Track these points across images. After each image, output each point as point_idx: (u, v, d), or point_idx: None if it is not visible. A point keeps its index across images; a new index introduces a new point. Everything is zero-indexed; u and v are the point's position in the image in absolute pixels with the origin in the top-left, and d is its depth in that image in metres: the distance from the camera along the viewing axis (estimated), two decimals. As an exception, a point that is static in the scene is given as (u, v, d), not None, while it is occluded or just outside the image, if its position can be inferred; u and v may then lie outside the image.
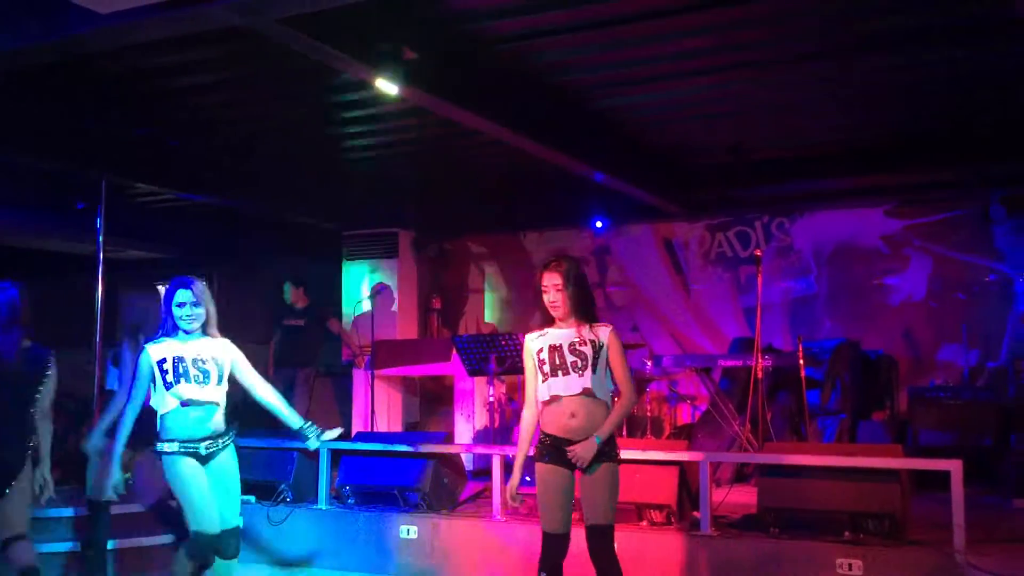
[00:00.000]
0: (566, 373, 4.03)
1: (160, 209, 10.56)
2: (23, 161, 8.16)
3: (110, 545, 6.18)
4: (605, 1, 5.53)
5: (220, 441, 4.52)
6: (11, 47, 5.28)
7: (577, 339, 4.06)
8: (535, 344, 4.12)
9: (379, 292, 10.00)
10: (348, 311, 10.54)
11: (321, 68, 5.99)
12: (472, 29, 5.93)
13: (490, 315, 11.46)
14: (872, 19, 5.85)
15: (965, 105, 7.55)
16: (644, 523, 5.87)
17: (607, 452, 4.05)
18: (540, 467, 4.08)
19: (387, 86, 5.88)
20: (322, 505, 6.72)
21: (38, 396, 4.54)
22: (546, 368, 4.06)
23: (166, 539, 6.59)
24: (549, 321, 4.14)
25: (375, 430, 8.96)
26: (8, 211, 9.64)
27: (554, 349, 4.06)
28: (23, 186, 9.29)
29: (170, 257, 12.17)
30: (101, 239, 7.56)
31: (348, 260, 10.85)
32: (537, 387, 4.10)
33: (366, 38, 5.55)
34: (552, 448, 4.05)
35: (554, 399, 4.05)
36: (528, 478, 4.35)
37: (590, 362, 4.02)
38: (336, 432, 4.81)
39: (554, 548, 4.07)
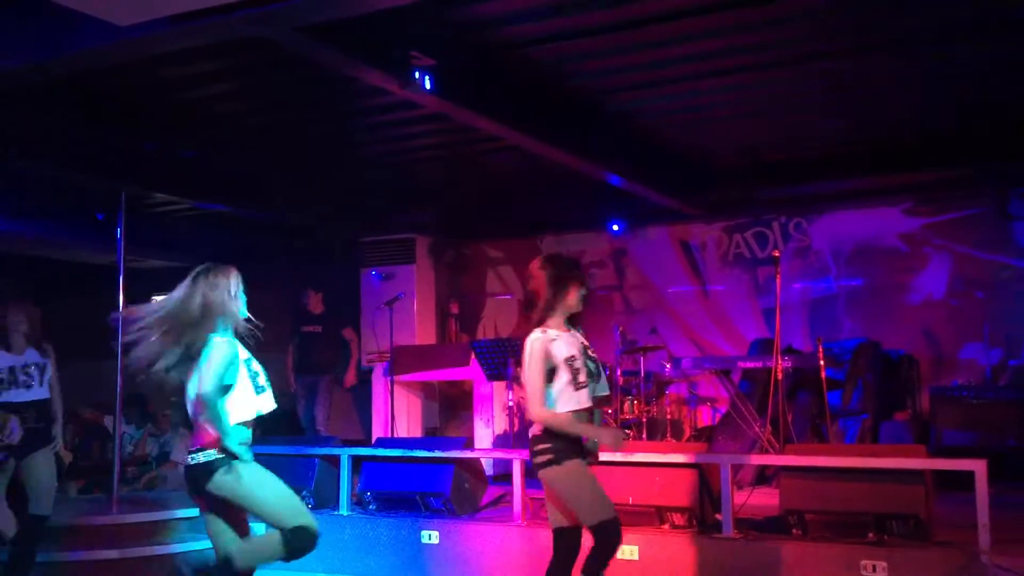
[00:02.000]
0: (596, 380, 4.11)
1: (179, 218, 10.64)
2: (42, 173, 8.24)
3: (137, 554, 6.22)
4: (619, 5, 5.54)
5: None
6: (31, 60, 5.33)
7: (585, 343, 4.14)
8: (560, 347, 4.01)
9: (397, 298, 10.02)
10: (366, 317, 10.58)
11: (338, 76, 6.03)
12: (487, 34, 5.95)
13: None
14: (888, 18, 5.83)
15: (982, 102, 7.50)
16: (665, 526, 5.86)
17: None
18: (575, 464, 4.00)
19: (406, 93, 5.90)
20: (344, 511, 6.75)
21: None
22: (582, 377, 4.03)
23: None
24: (542, 320, 4.08)
25: (395, 436, 8.98)
26: (28, 223, 9.74)
27: (576, 357, 4.03)
28: (43, 198, 9.38)
29: (189, 265, 12.25)
30: (121, 249, 7.61)
31: (366, 266, 10.89)
32: (567, 393, 4.00)
33: (383, 45, 5.58)
34: (579, 446, 4.06)
35: (585, 410, 4.05)
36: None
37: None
38: None
39: (616, 532, 4.01)
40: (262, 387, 4.07)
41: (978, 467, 5.11)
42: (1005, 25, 5.89)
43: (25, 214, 9.47)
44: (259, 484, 3.96)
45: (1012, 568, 4.80)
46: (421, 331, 10.68)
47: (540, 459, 4.02)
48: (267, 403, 4.08)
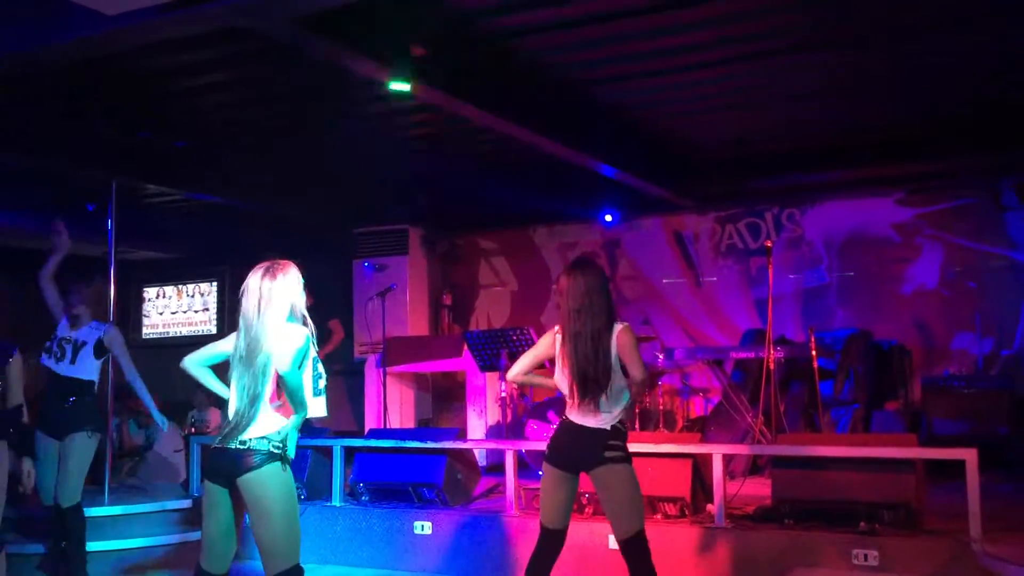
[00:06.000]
0: None
1: (170, 209, 10.60)
2: (32, 163, 8.19)
3: (110, 546, 6.20)
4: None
5: None
6: (19, 50, 5.29)
7: None
8: None
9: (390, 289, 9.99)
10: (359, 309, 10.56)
11: (329, 66, 6.00)
12: (480, 25, 5.92)
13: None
14: (877, 7, 5.82)
15: (975, 92, 7.50)
16: (658, 516, 5.86)
17: None
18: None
19: (396, 83, 5.88)
20: (336, 502, 6.74)
21: None
22: None
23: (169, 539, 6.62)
24: None
25: (388, 427, 8.98)
26: (19, 214, 9.68)
27: None
28: (33, 189, 9.32)
29: (181, 257, 12.21)
30: (112, 240, 7.59)
31: (358, 257, 10.87)
32: None
33: (375, 36, 5.55)
34: None
35: None
36: (541, 472, 4.37)
37: None
38: None
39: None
40: (320, 391, 3.88)
41: (969, 456, 5.12)
42: (996, 16, 5.89)
43: (13, 205, 9.42)
44: (293, 497, 3.72)
45: (1003, 556, 4.81)
46: (414, 322, 10.67)
47: (614, 453, 4.06)
48: (320, 409, 3.88)
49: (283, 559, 3.65)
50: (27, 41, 5.19)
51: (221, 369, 3.92)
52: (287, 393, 3.68)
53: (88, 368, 5.66)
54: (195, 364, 3.93)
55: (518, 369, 4.36)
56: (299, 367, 3.70)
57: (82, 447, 5.55)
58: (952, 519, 5.27)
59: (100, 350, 5.69)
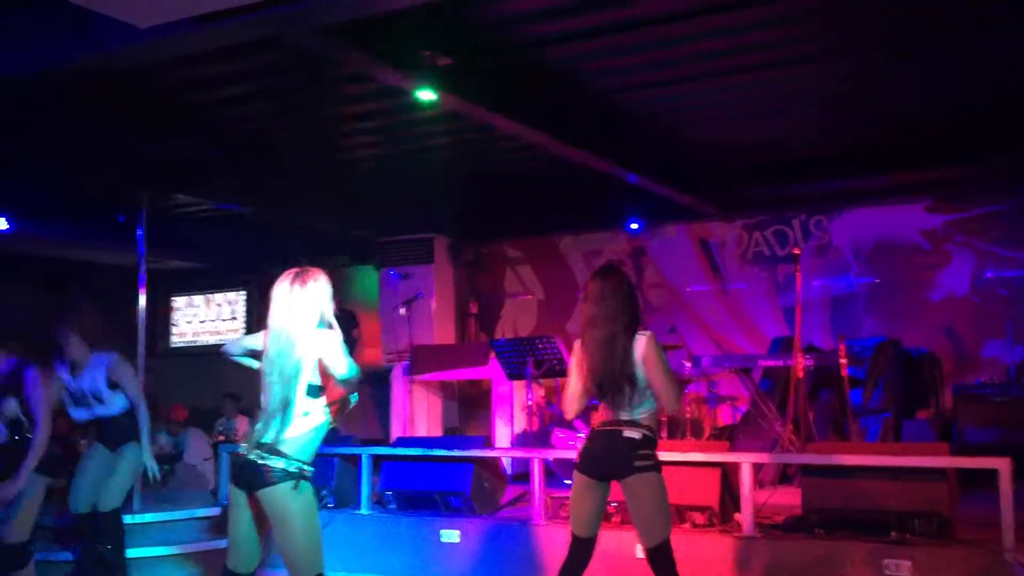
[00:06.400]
0: None
1: (199, 219, 10.70)
2: (65, 175, 8.30)
3: (140, 553, 6.24)
4: (637, 3, 5.52)
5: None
6: (52, 63, 5.38)
7: None
8: None
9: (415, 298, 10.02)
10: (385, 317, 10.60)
11: (357, 76, 6.05)
12: (505, 34, 5.95)
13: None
14: (907, 12, 5.78)
15: (1005, 97, 7.43)
16: (686, 525, 5.83)
17: None
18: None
19: (423, 92, 5.91)
20: (364, 510, 6.76)
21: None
22: None
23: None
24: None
25: (414, 435, 8.99)
26: (49, 224, 9.82)
27: None
28: (64, 199, 9.45)
29: (210, 266, 12.32)
30: (143, 250, 7.67)
31: (384, 266, 10.92)
32: None
33: (401, 46, 5.59)
34: None
35: None
36: (567, 481, 4.38)
37: None
38: None
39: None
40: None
41: (1002, 465, 5.07)
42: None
43: (46, 215, 9.55)
44: (312, 511, 3.72)
45: (1037, 567, 4.75)
46: (440, 331, 10.69)
47: (645, 463, 4.05)
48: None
49: (306, 570, 3.71)
50: (60, 54, 5.27)
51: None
52: (344, 385, 3.75)
53: (115, 403, 5.61)
54: (234, 354, 4.03)
55: (574, 407, 4.27)
56: (350, 357, 3.77)
57: (134, 457, 5.63)
58: (985, 529, 5.21)
59: (113, 384, 5.59)
